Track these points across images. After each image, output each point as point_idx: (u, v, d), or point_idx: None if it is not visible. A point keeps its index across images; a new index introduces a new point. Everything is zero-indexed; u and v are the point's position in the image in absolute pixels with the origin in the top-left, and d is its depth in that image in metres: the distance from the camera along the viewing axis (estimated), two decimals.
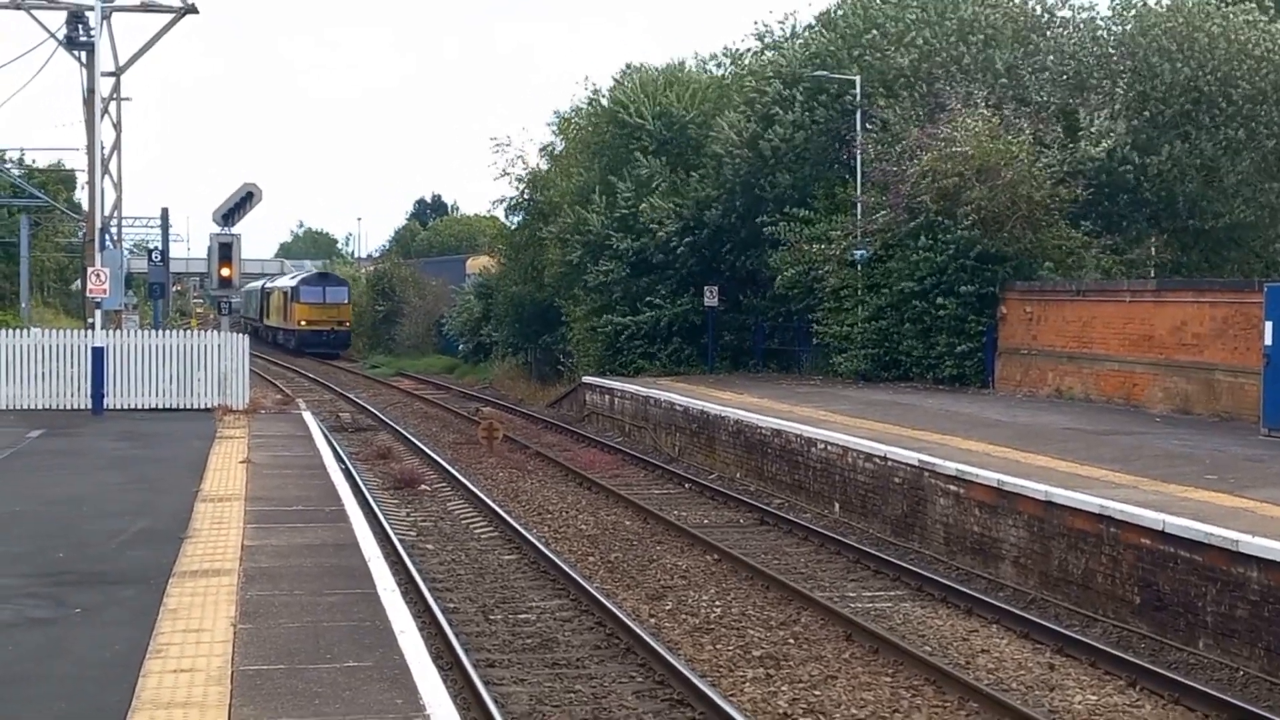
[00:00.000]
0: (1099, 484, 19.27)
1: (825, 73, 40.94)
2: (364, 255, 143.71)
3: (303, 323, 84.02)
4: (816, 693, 14.62)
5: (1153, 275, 37.54)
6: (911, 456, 22.56)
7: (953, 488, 21.24)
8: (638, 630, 16.45)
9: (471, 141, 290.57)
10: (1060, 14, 43.89)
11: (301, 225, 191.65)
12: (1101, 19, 43.62)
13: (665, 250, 43.80)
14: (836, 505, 25.27)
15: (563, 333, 50.18)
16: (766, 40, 48.06)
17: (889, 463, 23.29)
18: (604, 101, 51.36)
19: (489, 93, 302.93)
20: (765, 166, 41.82)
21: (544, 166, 57.43)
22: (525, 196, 57.80)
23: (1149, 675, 14.91)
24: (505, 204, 59.14)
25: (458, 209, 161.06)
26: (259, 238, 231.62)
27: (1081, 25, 43.22)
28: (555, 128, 59.46)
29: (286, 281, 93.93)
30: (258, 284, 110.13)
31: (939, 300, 35.74)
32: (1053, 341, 33.79)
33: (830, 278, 38.51)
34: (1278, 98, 39.08)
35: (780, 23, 47.96)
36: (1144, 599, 17.01)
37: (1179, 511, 16.96)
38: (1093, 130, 36.98)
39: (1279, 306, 25.13)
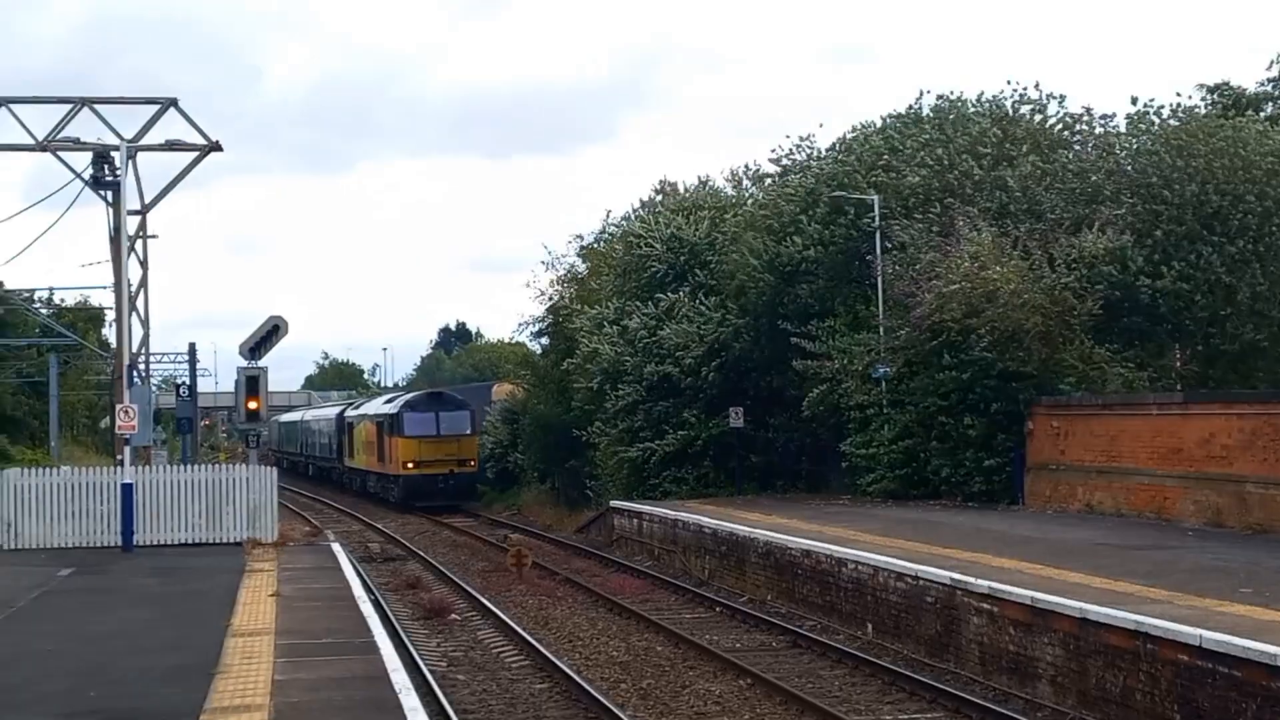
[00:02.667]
0: (1133, 600, 19.08)
1: (843, 193, 41.27)
2: (390, 386, 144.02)
3: (409, 465, 59.66)
4: None
5: (1179, 388, 37.40)
6: (944, 575, 22.39)
7: (986, 606, 21.05)
8: None
9: (495, 265, 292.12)
10: (1079, 127, 44.31)
11: (326, 357, 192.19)
12: (1116, 133, 43.95)
13: (692, 374, 43.96)
14: (869, 626, 25.03)
15: (590, 456, 50.06)
16: (784, 164, 48.45)
17: (921, 582, 23.10)
18: (620, 231, 52.22)
19: (511, 216, 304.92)
20: (785, 282, 42.02)
21: (566, 295, 58.00)
22: (549, 324, 58.54)
23: None
24: (530, 329, 60.87)
25: (481, 336, 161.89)
26: (284, 372, 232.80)
27: (1098, 140, 43.59)
28: (579, 252, 60.12)
29: (379, 407, 69.09)
30: (322, 412, 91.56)
31: (966, 418, 35.69)
32: (1081, 456, 33.63)
33: (855, 394, 38.51)
34: None
35: (796, 147, 48.37)
36: (1184, 716, 16.77)
37: (1216, 626, 16.77)
38: (1100, 248, 37.12)
39: None
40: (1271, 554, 23.84)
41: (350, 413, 75.46)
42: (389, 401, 68.23)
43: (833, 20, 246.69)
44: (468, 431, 61.64)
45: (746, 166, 55.01)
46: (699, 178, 57.93)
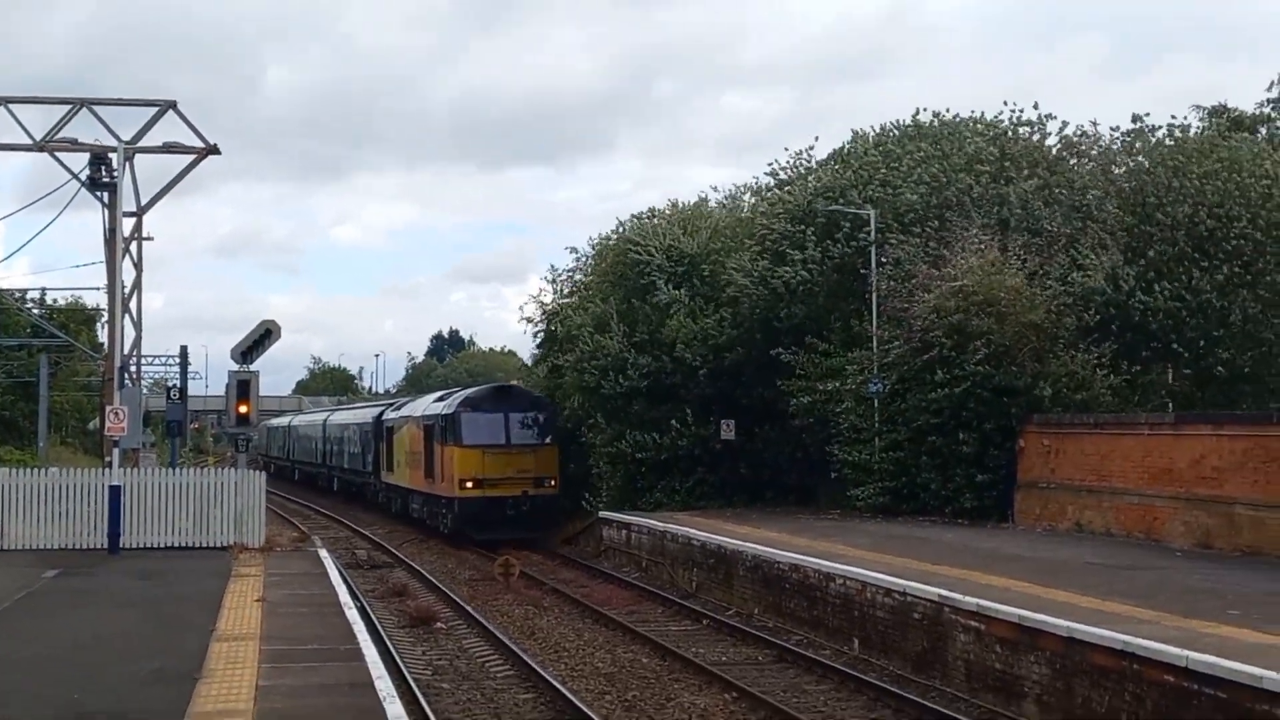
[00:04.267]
0: (1121, 620, 19.10)
1: (839, 207, 41.32)
2: (381, 392, 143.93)
3: (467, 484, 44.79)
4: None
5: (1170, 408, 37.47)
6: (931, 592, 22.40)
7: (973, 624, 21.06)
8: None
9: (491, 274, 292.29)
10: (1081, 147, 44.42)
11: (318, 362, 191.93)
12: (1115, 149, 44.09)
13: (686, 371, 44.07)
14: (856, 641, 25.03)
15: (588, 465, 50.01)
16: (780, 178, 48.54)
17: (908, 598, 23.11)
18: (619, 236, 52.33)
19: (508, 225, 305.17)
20: (779, 301, 42.08)
21: (563, 300, 58.11)
22: (545, 330, 58.61)
23: None
24: (532, 320, 60.47)
25: (474, 344, 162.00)
26: (275, 376, 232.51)
27: (1095, 158, 43.70)
28: (577, 259, 60.31)
29: (428, 406, 52.74)
30: (348, 415, 74.97)
31: (958, 434, 35.74)
32: (1071, 475, 33.67)
33: (849, 415, 38.56)
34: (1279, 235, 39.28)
35: (793, 160, 48.47)
36: None
37: (1202, 648, 16.79)
38: (1091, 265, 37.24)
39: None
40: (1260, 576, 23.88)
41: (390, 415, 59.42)
42: (441, 399, 51.71)
43: (834, 37, 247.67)
44: (547, 440, 46.37)
45: (748, 185, 55.41)
46: (700, 195, 58.41)
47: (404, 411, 56.23)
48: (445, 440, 45.65)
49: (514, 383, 54.84)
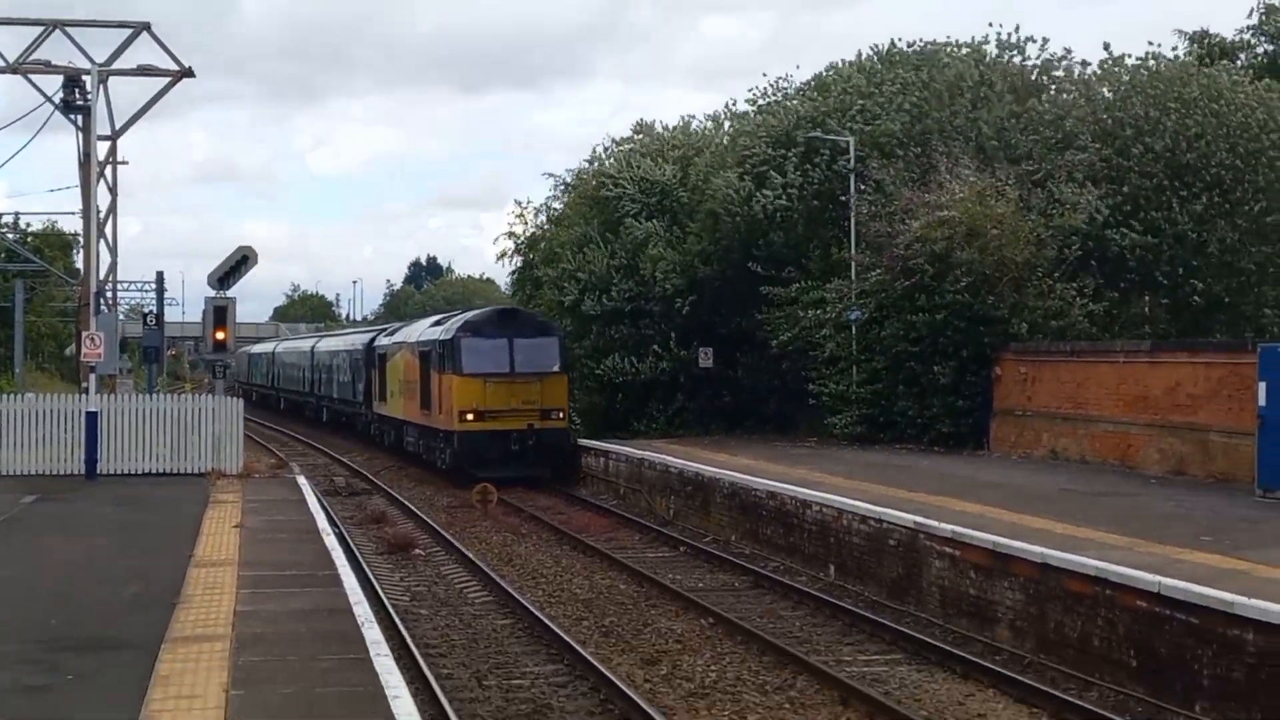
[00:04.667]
0: (1095, 546, 19.25)
1: (819, 134, 41.21)
2: (360, 320, 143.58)
3: (468, 416, 40.79)
4: None
5: (1146, 338, 37.60)
6: (907, 519, 22.53)
7: (948, 550, 21.20)
8: (633, 696, 16.36)
9: (469, 201, 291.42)
10: (1055, 73, 44.27)
11: (296, 289, 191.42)
12: (1093, 77, 43.94)
13: (665, 299, 44.14)
14: (832, 568, 25.19)
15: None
16: (760, 104, 48.34)
17: (884, 525, 23.25)
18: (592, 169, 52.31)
19: (485, 152, 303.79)
20: (759, 228, 42.00)
21: (544, 223, 58.12)
22: (526, 250, 58.56)
23: None
24: (508, 254, 60.23)
25: (452, 270, 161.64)
26: (253, 304, 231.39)
27: (1074, 86, 43.56)
28: (555, 187, 60.15)
29: (424, 331, 48.08)
30: (338, 341, 69.06)
31: (936, 362, 35.84)
32: (1047, 402, 33.81)
33: (828, 343, 38.62)
34: (1257, 164, 39.28)
35: (773, 86, 48.29)
36: (1140, 662, 16.96)
37: (1175, 574, 16.94)
38: (1069, 200, 37.24)
39: (1273, 367, 25.19)
40: (1233, 503, 24.06)
41: (383, 340, 54.51)
42: (438, 323, 47.15)
43: None
44: (554, 367, 41.44)
45: (726, 107, 55.03)
46: (682, 118, 58.07)
47: (398, 337, 51.34)
48: (443, 368, 41.31)
49: (518, 308, 47.90)
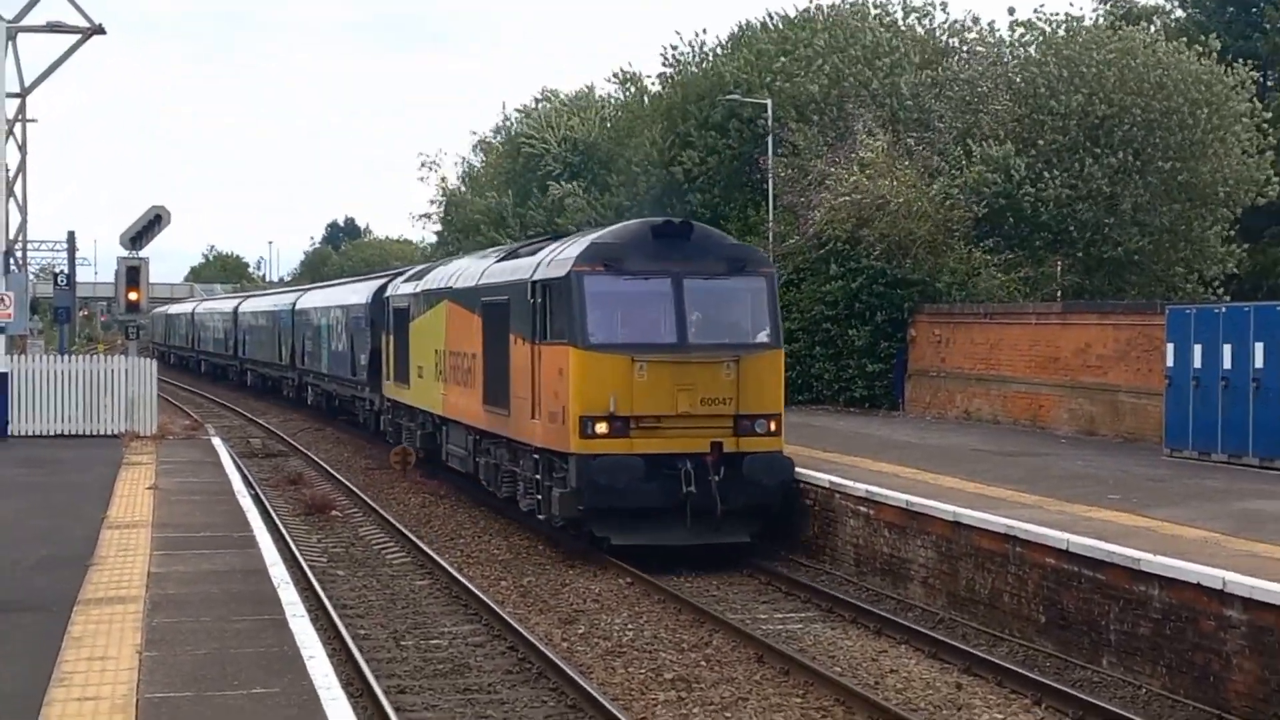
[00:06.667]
0: (1005, 504, 19.48)
1: (737, 96, 41.34)
2: (275, 280, 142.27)
3: (598, 426, 21.36)
4: (728, 714, 14.66)
5: (1058, 298, 38.05)
6: (822, 479, 22.66)
7: (863, 509, 21.38)
8: (550, 655, 16.39)
9: (384, 164, 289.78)
10: (969, 36, 44.77)
11: (211, 249, 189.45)
12: (1005, 41, 44.48)
13: None
14: None
15: None
16: (675, 64, 48.48)
17: (800, 485, 23.38)
18: (512, 130, 52.13)
19: (402, 117, 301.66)
20: (679, 188, 42.15)
21: (461, 181, 58.00)
22: (444, 215, 58.43)
23: (1054, 693, 15.06)
24: (425, 217, 60.21)
25: (370, 232, 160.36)
26: (169, 264, 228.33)
27: (984, 50, 44.05)
28: (478, 146, 60.10)
29: (494, 269, 27.26)
30: (349, 290, 47.32)
31: (851, 326, 36.12)
32: (961, 364, 34.15)
33: None
34: (1169, 123, 39.78)
35: (689, 44, 48.45)
36: (1049, 618, 17.19)
37: (1082, 531, 17.16)
38: (983, 157, 37.64)
39: (1180, 329, 25.55)
40: (1140, 462, 24.44)
41: (402, 288, 35.84)
42: (519, 254, 27.02)
43: None
44: (764, 335, 22.91)
45: (629, 67, 55.16)
46: (586, 86, 58.18)
47: (429, 283, 32.48)
48: (539, 334, 22.92)
49: (691, 222, 25.03)
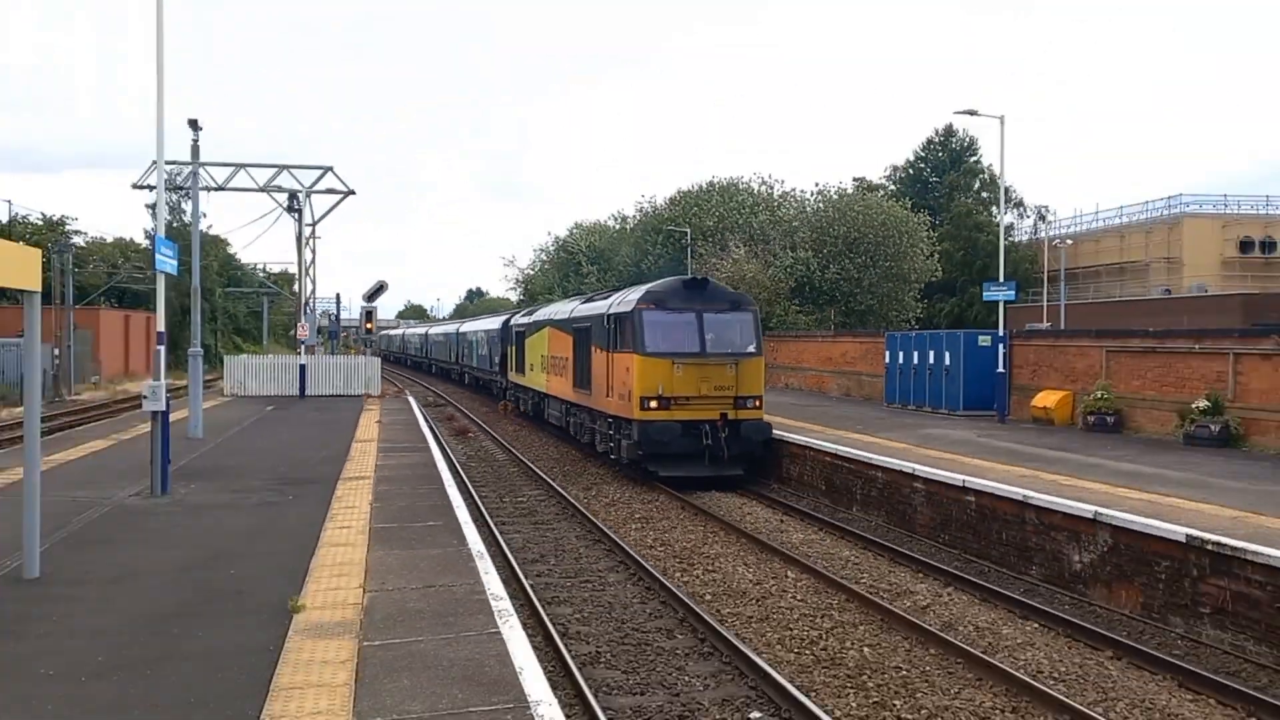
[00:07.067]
0: (805, 432, 19.44)
1: (672, 227, 41.38)
2: (441, 318, 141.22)
3: (651, 402, 18.25)
4: (724, 566, 14.54)
5: (832, 329, 38.18)
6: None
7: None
8: (577, 505, 16.33)
9: (494, 259, 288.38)
10: (791, 197, 45.07)
11: (408, 302, 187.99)
12: (808, 199, 44.75)
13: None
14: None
15: None
16: (642, 208, 48.64)
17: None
18: (560, 243, 52.14)
19: (500, 239, 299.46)
20: (644, 273, 42.13)
21: (533, 271, 57.91)
22: (524, 290, 58.39)
23: (830, 526, 15.04)
24: (515, 293, 60.23)
25: (487, 293, 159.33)
26: (385, 310, 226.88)
27: (797, 203, 44.38)
28: (541, 254, 59.98)
29: (581, 308, 23.58)
30: (487, 322, 42.32)
31: None
32: (785, 361, 34.13)
33: None
34: (887, 242, 40.13)
35: (649, 199, 48.59)
36: (828, 487, 17.22)
37: (846, 444, 17.19)
38: (795, 258, 37.90)
39: (892, 344, 25.64)
40: (873, 410, 24.43)
41: (520, 320, 32.69)
42: (594, 299, 24.33)
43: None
44: (751, 348, 19.16)
45: (619, 210, 55.29)
46: (598, 219, 58.59)
47: (538, 316, 29.27)
48: (614, 345, 20.38)
49: (707, 278, 21.61)
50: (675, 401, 18.20)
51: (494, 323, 39.13)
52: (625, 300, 19.96)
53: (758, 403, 18.56)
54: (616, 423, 19.61)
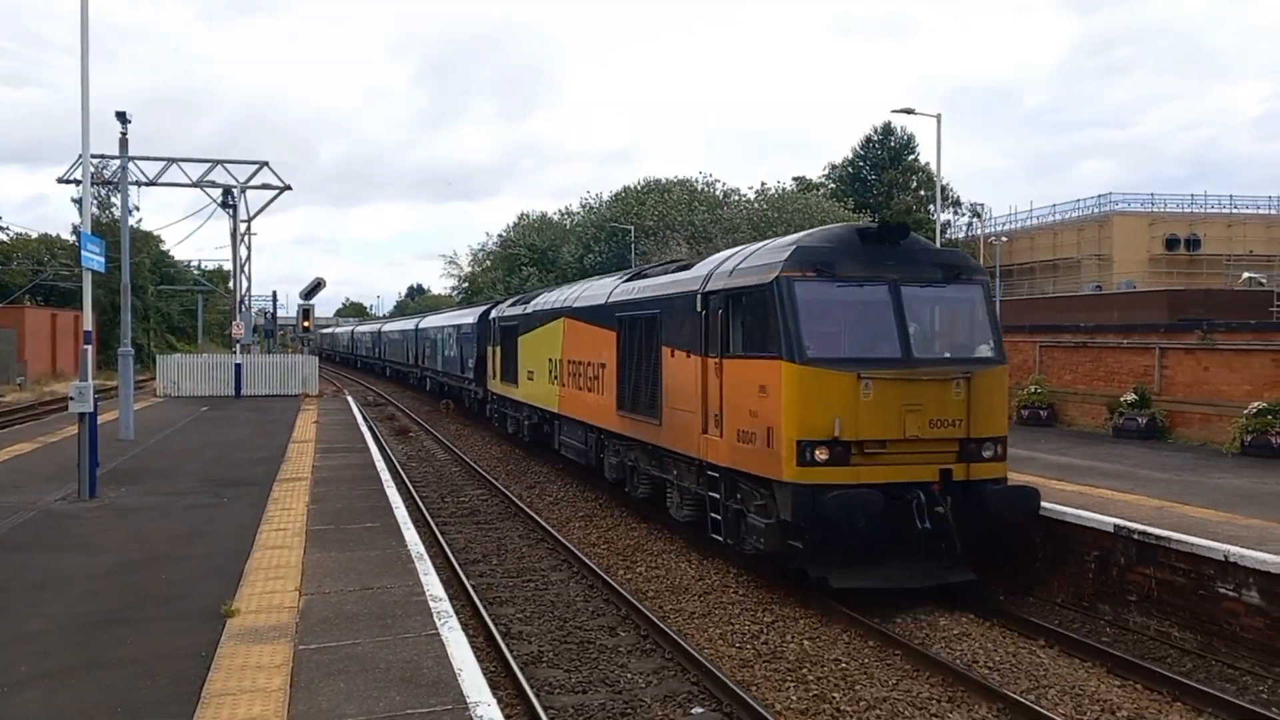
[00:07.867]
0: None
1: (616, 225, 41.47)
2: (381, 316, 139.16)
3: (818, 450, 8.79)
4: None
5: None
6: None
7: None
8: (520, 504, 16.25)
9: (436, 256, 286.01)
10: (732, 195, 45.52)
11: (346, 300, 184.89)
12: (750, 198, 45.26)
13: None
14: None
15: None
16: (585, 205, 48.76)
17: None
18: (504, 238, 52.02)
19: (442, 238, 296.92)
20: (586, 275, 42.21)
21: (474, 268, 57.60)
22: (466, 286, 58.05)
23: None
24: (456, 291, 60.09)
25: (429, 290, 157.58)
26: (323, 306, 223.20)
27: (739, 201, 44.85)
28: (484, 247, 59.74)
29: (648, 286, 13.09)
30: (458, 315, 33.54)
31: None
32: None
33: None
34: None
35: (595, 195, 48.78)
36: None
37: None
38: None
39: None
40: None
41: (510, 311, 23.27)
42: (652, 269, 15.16)
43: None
44: (986, 349, 9.49)
45: (563, 205, 55.46)
46: (542, 213, 58.62)
47: (540, 305, 20.38)
48: (726, 345, 10.39)
49: (903, 224, 10.08)
50: (864, 449, 9.48)
51: (467, 316, 30.44)
52: (750, 263, 10.62)
53: (999, 448, 9.89)
54: (728, 480, 10.82)
